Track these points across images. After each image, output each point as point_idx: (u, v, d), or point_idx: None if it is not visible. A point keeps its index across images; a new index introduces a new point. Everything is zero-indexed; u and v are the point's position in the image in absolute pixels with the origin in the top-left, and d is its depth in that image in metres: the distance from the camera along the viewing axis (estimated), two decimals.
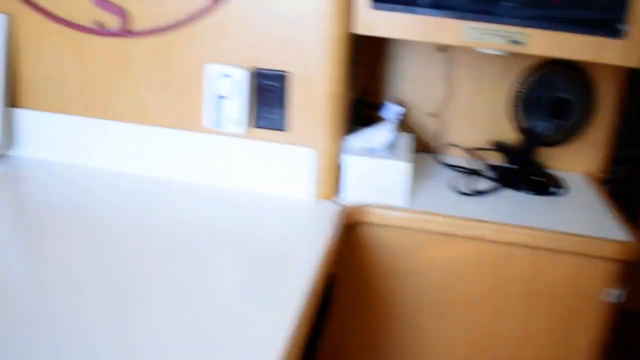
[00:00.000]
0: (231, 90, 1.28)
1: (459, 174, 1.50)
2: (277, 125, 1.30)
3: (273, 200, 1.32)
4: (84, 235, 1.14)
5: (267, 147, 1.32)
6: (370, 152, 1.33)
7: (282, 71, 1.27)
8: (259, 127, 1.31)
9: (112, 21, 1.31)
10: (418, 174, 1.47)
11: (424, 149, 1.62)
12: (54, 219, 1.20)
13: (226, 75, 1.28)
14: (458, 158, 1.60)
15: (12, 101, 1.42)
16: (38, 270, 1.03)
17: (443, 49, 1.54)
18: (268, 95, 1.29)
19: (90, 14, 1.32)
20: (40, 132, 1.43)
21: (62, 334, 0.87)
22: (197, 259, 1.09)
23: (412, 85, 1.60)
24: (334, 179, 1.32)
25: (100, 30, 1.33)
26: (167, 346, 0.86)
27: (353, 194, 1.32)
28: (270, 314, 0.94)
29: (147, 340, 0.87)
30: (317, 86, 1.26)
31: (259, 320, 0.92)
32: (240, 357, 0.85)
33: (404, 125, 1.60)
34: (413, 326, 1.39)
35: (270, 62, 1.27)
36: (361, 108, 1.51)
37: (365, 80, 1.59)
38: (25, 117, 1.43)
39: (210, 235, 1.17)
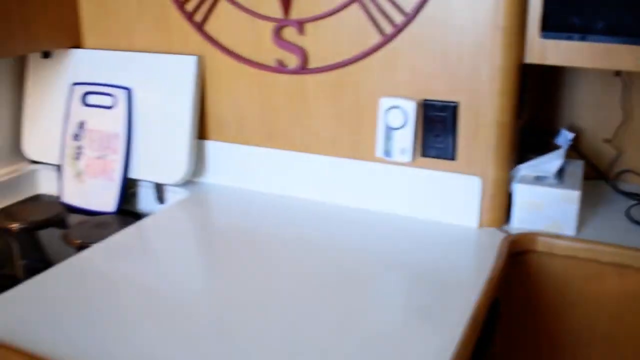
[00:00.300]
0: (401, 121, 1.37)
1: (635, 202, 1.48)
2: (445, 154, 1.37)
3: (439, 227, 1.38)
4: (260, 255, 1.27)
5: (434, 175, 1.39)
6: (539, 180, 1.36)
7: (451, 101, 1.34)
8: (427, 156, 1.39)
9: (292, 60, 1.46)
10: (590, 202, 1.46)
11: (598, 176, 1.61)
12: (233, 239, 1.35)
13: (396, 107, 1.37)
14: (634, 185, 1.58)
15: (201, 133, 1.61)
16: (216, 286, 1.17)
17: (618, 72, 1.53)
18: (436, 124, 1.36)
19: (272, 54, 1.48)
20: (225, 162, 1.61)
21: (235, 346, 0.99)
22: (363, 281, 1.18)
23: (585, 110, 1.61)
24: (500, 206, 1.37)
25: (280, 69, 1.48)
26: None
27: (520, 221, 1.35)
28: (433, 337, 0.99)
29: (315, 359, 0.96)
30: (485, 115, 1.32)
31: (421, 343, 0.98)
32: None
33: (577, 151, 1.60)
34: (579, 358, 1.38)
35: (439, 93, 1.35)
36: (530, 135, 1.54)
37: (536, 106, 1.61)
38: (212, 148, 1.61)
39: (376, 259, 1.26)
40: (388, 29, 1.34)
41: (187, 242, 1.35)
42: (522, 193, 1.35)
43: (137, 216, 1.59)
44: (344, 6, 1.37)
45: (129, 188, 1.64)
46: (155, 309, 1.08)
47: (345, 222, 1.41)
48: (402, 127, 1.37)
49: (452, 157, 1.36)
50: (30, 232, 1.58)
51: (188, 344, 0.98)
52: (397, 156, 1.39)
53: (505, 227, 1.37)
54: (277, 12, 1.43)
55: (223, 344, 0.99)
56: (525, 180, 1.36)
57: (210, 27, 1.53)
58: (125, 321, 1.05)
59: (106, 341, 0.99)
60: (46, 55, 1.73)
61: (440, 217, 1.40)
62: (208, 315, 1.07)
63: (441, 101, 1.34)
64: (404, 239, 1.33)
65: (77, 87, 1.67)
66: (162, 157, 1.57)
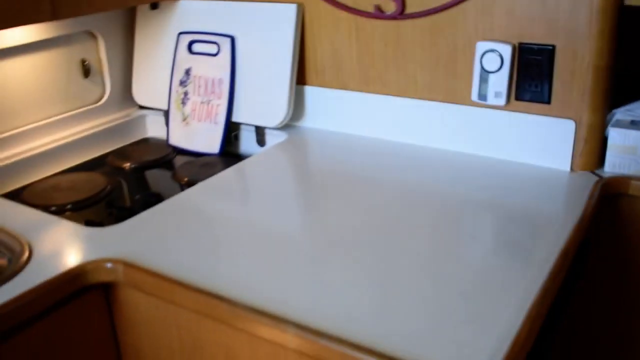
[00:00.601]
0: (496, 65, 1.42)
1: None
2: (539, 97, 1.42)
3: (532, 169, 1.43)
4: (354, 195, 1.36)
5: (528, 118, 1.44)
6: (634, 124, 1.39)
7: (547, 45, 1.38)
8: (521, 99, 1.44)
9: (389, 6, 1.53)
10: None
11: None
12: (329, 179, 1.44)
13: (492, 51, 1.43)
14: None
15: (301, 79, 1.72)
16: (311, 222, 1.26)
17: None
18: (532, 68, 1.41)
19: (370, 0, 1.55)
20: (323, 106, 1.71)
21: (327, 276, 1.08)
22: (455, 220, 1.24)
23: None
24: (594, 150, 1.40)
25: (378, 14, 1.55)
26: (424, 297, 1.03)
27: (613, 166, 1.39)
28: (522, 272, 1.05)
29: (405, 291, 1.04)
30: (582, 59, 1.35)
31: (511, 276, 1.04)
32: (490, 308, 0.98)
33: None
34: None
35: (535, 36, 1.38)
36: (627, 80, 1.56)
37: (633, 50, 1.62)
38: (310, 93, 1.71)
39: (469, 200, 1.32)
40: None
41: (284, 181, 1.47)
42: (616, 137, 1.38)
43: (239, 158, 1.72)
44: None
45: (231, 131, 1.77)
46: (253, 239, 1.20)
47: (440, 165, 1.48)
48: (497, 70, 1.42)
49: (547, 101, 1.41)
50: (141, 171, 1.73)
51: (282, 269, 1.09)
52: (491, 100, 1.45)
53: (598, 171, 1.40)
54: None
55: (315, 274, 1.08)
56: (619, 124, 1.39)
57: None
58: (226, 248, 1.17)
59: (210, 262, 1.12)
60: (154, 6, 1.86)
61: (533, 160, 1.45)
62: (303, 247, 1.17)
63: (538, 44, 1.38)
64: (497, 181, 1.39)
65: (183, 36, 1.80)
66: (263, 101, 1.68)
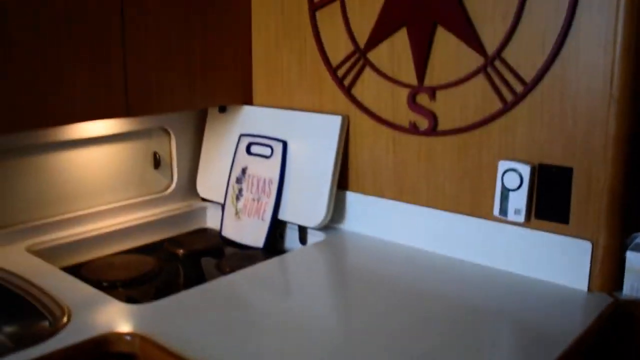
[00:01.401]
0: (517, 183, 1.51)
1: None
2: (557, 217, 1.48)
3: (548, 287, 1.47)
4: (381, 297, 1.44)
5: (546, 237, 1.49)
6: None
7: (565, 166, 1.45)
8: (540, 217, 1.50)
9: (423, 123, 1.67)
10: None
11: None
12: (360, 280, 1.54)
13: (513, 170, 1.52)
14: None
15: (342, 184, 1.86)
16: (340, 317, 1.36)
17: None
18: (550, 188, 1.48)
19: (407, 116, 1.69)
20: (361, 211, 1.82)
21: None
22: (471, 331, 1.30)
23: None
24: (611, 272, 1.43)
25: (413, 130, 1.69)
26: None
27: (632, 289, 1.41)
28: None
29: None
30: (598, 181, 1.41)
31: None
32: None
33: None
34: None
35: (554, 157, 1.46)
36: None
37: None
38: (350, 198, 1.84)
39: (485, 313, 1.38)
40: (509, 97, 1.51)
41: (319, 277, 1.58)
42: (633, 260, 1.41)
43: (281, 253, 1.84)
44: (471, 76, 1.55)
45: (278, 228, 1.91)
46: (284, 327, 1.30)
47: (460, 275, 1.55)
48: (517, 189, 1.51)
49: (564, 221, 1.47)
50: (192, 257, 1.89)
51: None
52: (512, 216, 1.53)
53: (617, 293, 1.43)
54: (413, 80, 1.65)
55: None
56: (638, 248, 1.42)
57: (356, 90, 1.78)
58: (257, 334, 1.27)
59: (230, 347, 1.22)
60: (222, 109, 2.08)
61: (552, 277, 1.50)
62: (328, 342, 1.26)
63: (556, 166, 1.46)
64: (514, 296, 1.44)
65: (244, 138, 2.00)
66: (306, 202, 1.82)
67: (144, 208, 2.02)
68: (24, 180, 1.78)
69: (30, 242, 1.77)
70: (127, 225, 1.95)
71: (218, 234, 2.00)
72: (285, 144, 1.86)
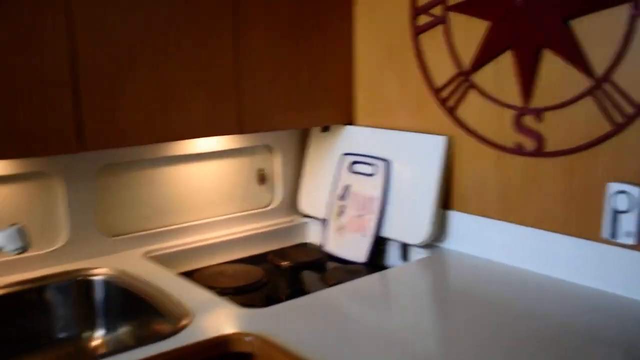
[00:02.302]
0: (627, 205, 1.52)
1: None
2: None
3: None
4: (481, 317, 1.47)
5: None
6: None
7: None
8: None
9: (529, 144, 1.70)
10: None
11: None
12: (461, 299, 1.56)
13: (623, 192, 1.53)
14: None
15: (445, 203, 1.91)
16: (438, 337, 1.39)
17: None
18: None
19: (512, 138, 1.73)
20: (464, 230, 1.86)
21: None
22: (573, 354, 1.32)
23: None
24: None
25: (519, 151, 1.72)
26: None
27: None
28: None
29: None
30: None
31: None
32: None
33: None
34: None
35: None
36: None
37: None
38: (453, 217, 1.89)
39: (591, 336, 1.38)
40: (619, 119, 1.52)
41: (420, 293, 1.62)
42: None
43: (383, 268, 1.89)
44: (579, 98, 1.58)
45: (380, 245, 1.97)
46: (378, 341, 1.35)
47: (567, 297, 1.55)
48: (628, 211, 1.52)
49: None
50: (295, 270, 1.97)
51: None
52: (622, 238, 1.53)
53: None
54: (518, 101, 1.69)
55: None
56: None
57: (460, 111, 1.83)
58: (352, 344, 1.34)
59: (335, 353, 1.29)
60: (325, 129, 2.17)
61: None
62: (425, 357, 1.30)
63: None
64: (622, 321, 1.44)
65: (347, 157, 2.08)
66: (409, 220, 1.88)
67: (249, 221, 2.13)
68: (143, 191, 1.93)
69: (147, 248, 1.90)
70: (233, 237, 2.05)
71: (319, 248, 2.07)
72: (388, 163, 1.92)
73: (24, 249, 1.39)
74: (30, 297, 1.65)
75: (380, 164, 1.93)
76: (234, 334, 1.32)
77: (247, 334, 1.32)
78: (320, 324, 1.40)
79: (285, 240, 2.15)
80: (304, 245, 2.17)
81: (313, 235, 2.19)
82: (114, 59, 1.55)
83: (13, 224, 1.39)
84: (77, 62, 1.50)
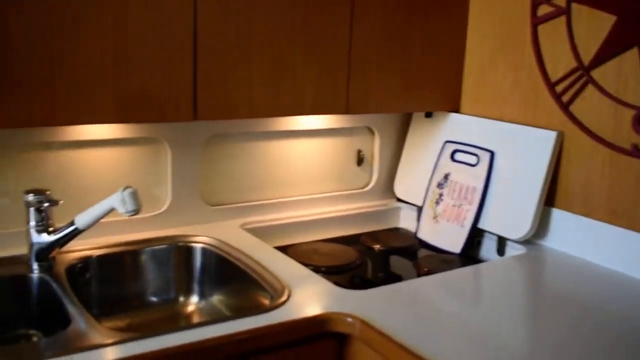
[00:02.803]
0: None
1: None
2: None
3: None
4: (578, 317, 1.43)
5: None
6: None
7: None
8: None
9: None
10: None
11: None
12: (557, 301, 1.52)
13: None
14: None
15: (548, 200, 1.85)
16: (527, 337, 1.36)
17: None
18: None
19: (629, 138, 1.66)
20: (565, 229, 1.81)
21: None
22: None
23: None
24: None
25: (635, 152, 1.66)
26: None
27: None
28: None
29: None
30: None
31: None
32: None
33: None
34: None
35: None
36: None
37: None
38: (555, 215, 1.84)
39: None
40: None
41: (512, 291, 1.58)
42: None
43: (477, 261, 1.88)
44: None
45: (475, 236, 1.94)
46: (469, 334, 1.34)
47: None
48: None
49: None
50: (387, 254, 1.97)
51: None
52: None
53: None
54: None
55: None
56: None
57: (575, 107, 1.77)
58: (446, 333, 1.34)
59: (431, 340, 1.29)
60: (428, 115, 2.15)
61: None
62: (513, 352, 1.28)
63: None
64: None
65: (449, 144, 2.05)
66: (509, 214, 1.84)
67: (344, 202, 2.13)
68: (244, 163, 1.97)
69: (244, 220, 1.93)
70: (327, 216, 2.07)
71: (412, 234, 2.06)
72: (492, 154, 1.88)
73: (135, 212, 1.43)
74: (132, 258, 1.71)
75: (484, 154, 1.90)
76: (335, 314, 1.34)
77: (348, 315, 1.32)
78: (414, 312, 1.40)
79: (378, 223, 2.15)
80: (396, 230, 2.17)
81: (405, 221, 2.19)
82: (232, 32, 1.59)
83: (127, 187, 1.42)
84: (198, 33, 1.52)
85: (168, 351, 1.18)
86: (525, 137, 1.82)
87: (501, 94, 1.92)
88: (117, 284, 1.68)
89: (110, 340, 1.20)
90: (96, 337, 1.21)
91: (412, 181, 2.12)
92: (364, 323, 1.30)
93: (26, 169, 1.63)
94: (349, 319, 1.32)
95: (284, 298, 1.41)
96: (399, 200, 2.20)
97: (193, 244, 1.74)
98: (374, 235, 2.05)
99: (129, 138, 1.73)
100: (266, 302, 1.47)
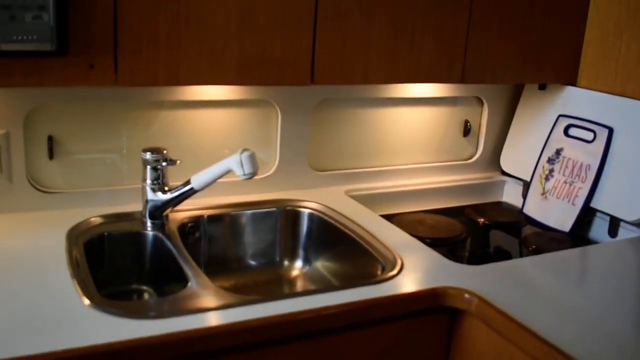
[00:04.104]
0: None
1: None
2: None
3: None
4: None
5: None
6: None
7: None
8: None
9: None
10: None
11: None
12: None
13: None
14: None
15: None
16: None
17: None
18: None
19: None
20: None
21: None
22: None
23: None
24: None
25: None
26: None
27: None
28: None
29: None
30: None
31: None
32: None
33: None
34: None
35: None
36: None
37: None
38: None
39: None
40: None
41: (626, 277, 1.52)
42: None
43: (586, 241, 1.83)
44: None
45: (585, 216, 1.88)
46: (591, 322, 1.29)
47: None
48: None
49: None
50: (491, 228, 1.94)
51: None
52: None
53: None
54: None
55: None
56: None
57: None
58: (561, 316, 1.30)
59: (548, 321, 1.25)
60: (542, 87, 2.07)
61: None
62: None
63: None
64: None
65: (563, 119, 1.97)
66: (626, 195, 1.77)
67: (448, 173, 2.10)
68: (351, 130, 1.96)
69: (348, 187, 1.92)
70: (431, 186, 2.04)
71: (517, 209, 2.01)
72: (611, 131, 1.81)
73: (252, 175, 1.43)
74: (239, 220, 1.74)
75: (601, 131, 1.82)
76: (452, 289, 1.33)
77: (466, 291, 1.30)
78: (528, 291, 1.37)
79: (482, 196, 2.12)
80: (500, 204, 2.12)
81: (510, 195, 2.15)
82: None
83: (244, 150, 1.42)
84: None
85: (284, 317, 1.20)
86: None
87: (626, 69, 1.83)
88: (224, 245, 1.71)
89: (226, 302, 1.23)
90: (212, 299, 1.25)
91: (520, 155, 2.06)
92: (481, 299, 1.28)
93: (141, 127, 1.65)
94: (467, 295, 1.30)
95: (397, 269, 1.40)
96: (504, 173, 2.14)
97: (300, 209, 1.75)
98: (478, 209, 2.01)
99: (240, 100, 1.74)
100: (377, 271, 1.46)
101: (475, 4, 1.69)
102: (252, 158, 1.42)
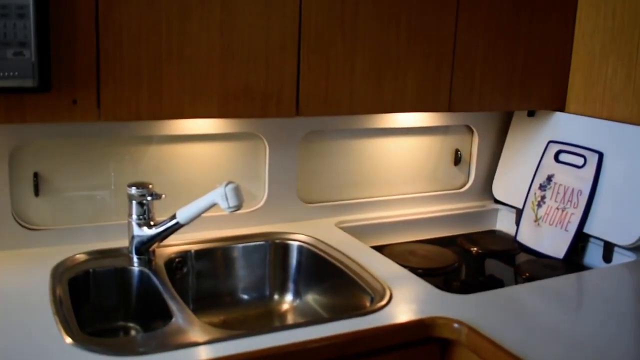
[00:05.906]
0: None
1: None
2: None
3: None
4: None
5: None
6: None
7: None
8: None
9: None
10: None
11: None
12: None
13: None
14: None
15: None
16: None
17: None
18: None
19: None
20: None
21: None
22: None
23: None
24: None
25: None
26: None
27: None
28: None
29: None
30: None
31: None
32: None
33: None
34: None
35: None
36: None
37: None
38: None
39: None
40: None
41: (621, 301, 1.50)
42: None
43: (580, 267, 1.81)
44: None
45: (579, 241, 1.87)
46: (583, 348, 1.28)
47: None
48: None
49: None
50: (485, 257, 1.92)
51: None
52: None
53: None
54: None
55: None
56: None
57: None
58: (553, 344, 1.28)
59: (540, 348, 1.24)
60: (530, 113, 2.07)
61: None
62: None
63: None
64: None
65: (553, 144, 1.97)
66: (619, 219, 1.76)
67: (440, 202, 2.09)
68: (339, 161, 1.96)
69: (339, 218, 1.92)
70: (422, 216, 2.04)
71: (511, 237, 2.00)
72: (601, 155, 1.81)
73: (237, 208, 1.43)
74: (228, 254, 1.73)
75: (591, 155, 1.82)
76: (441, 319, 1.31)
77: (455, 321, 1.29)
78: (520, 319, 1.35)
79: (475, 225, 2.11)
80: (493, 233, 2.11)
81: (503, 223, 2.14)
82: (337, 26, 1.57)
83: (229, 182, 1.42)
84: (302, 27, 1.53)
85: (270, 351, 1.17)
86: (638, 137, 1.73)
87: (612, 92, 1.83)
88: (213, 280, 1.70)
89: (212, 337, 1.21)
90: (197, 334, 1.22)
91: (511, 182, 2.06)
92: (471, 329, 1.27)
93: (127, 162, 1.65)
94: (456, 325, 1.29)
95: (385, 300, 1.39)
96: (497, 201, 2.13)
97: (290, 242, 1.75)
98: (471, 238, 2.00)
99: (227, 133, 1.75)
100: (366, 303, 1.44)
101: (460, 31, 1.70)
102: (237, 191, 1.41)
